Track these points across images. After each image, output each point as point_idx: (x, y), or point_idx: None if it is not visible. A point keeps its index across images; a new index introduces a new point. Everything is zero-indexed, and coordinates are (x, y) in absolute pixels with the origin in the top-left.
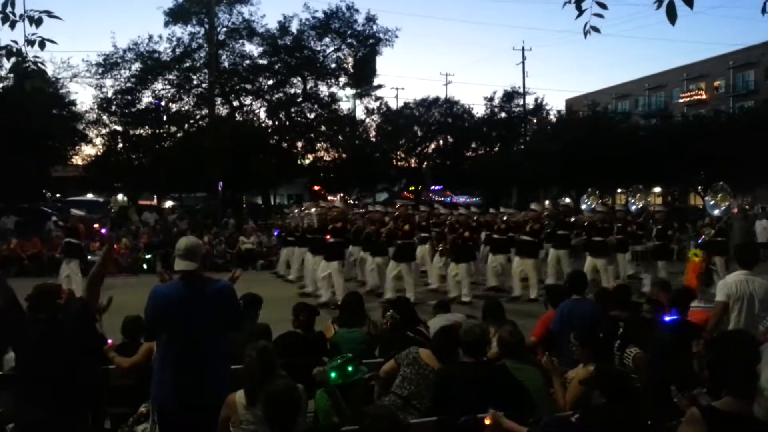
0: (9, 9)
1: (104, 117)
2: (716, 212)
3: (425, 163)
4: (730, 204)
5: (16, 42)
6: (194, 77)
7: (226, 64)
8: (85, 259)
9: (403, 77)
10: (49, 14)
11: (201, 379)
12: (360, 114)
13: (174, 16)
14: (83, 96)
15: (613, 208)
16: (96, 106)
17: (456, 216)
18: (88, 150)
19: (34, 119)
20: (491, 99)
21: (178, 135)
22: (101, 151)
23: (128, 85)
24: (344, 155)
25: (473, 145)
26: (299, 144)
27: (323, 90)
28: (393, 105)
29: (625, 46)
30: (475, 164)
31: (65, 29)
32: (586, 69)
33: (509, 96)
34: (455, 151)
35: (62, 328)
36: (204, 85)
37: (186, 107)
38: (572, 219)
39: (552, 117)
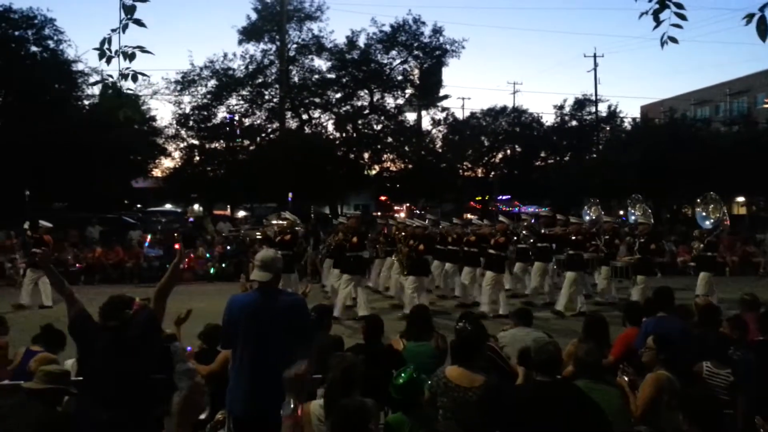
0: (106, 46)
1: (182, 132)
2: (706, 224)
3: (492, 173)
4: (720, 216)
5: (111, 76)
6: (266, 92)
7: (296, 79)
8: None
9: (470, 87)
10: (142, 50)
11: (273, 389)
12: (426, 125)
13: (247, 34)
14: (163, 112)
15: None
16: (174, 122)
17: (412, 228)
18: (167, 163)
19: (118, 134)
20: (561, 107)
21: (251, 148)
22: (179, 163)
23: (204, 101)
24: (410, 166)
25: (542, 155)
26: (366, 155)
27: (390, 102)
28: (459, 115)
29: (704, 49)
30: (545, 174)
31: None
32: (662, 74)
33: (580, 104)
34: (523, 161)
35: (129, 337)
36: (275, 100)
37: (258, 121)
38: (546, 231)
39: (626, 125)
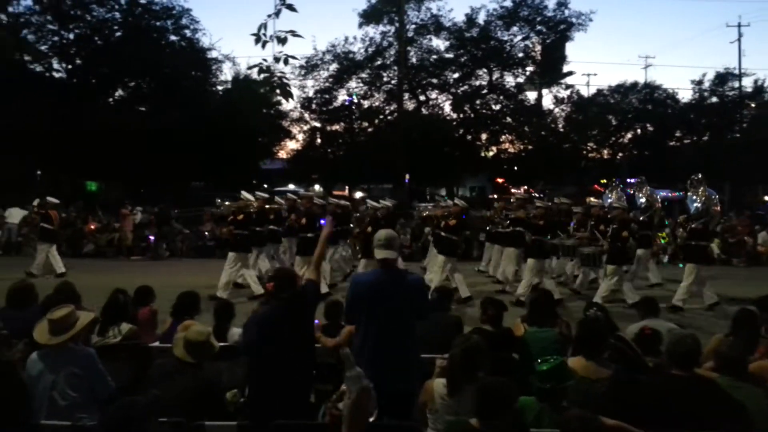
0: (263, 32)
1: (305, 115)
2: (694, 207)
3: (620, 155)
4: (708, 200)
5: (266, 60)
6: (384, 74)
7: (414, 60)
8: (58, 242)
9: (596, 62)
10: (294, 33)
11: (394, 365)
12: (548, 103)
13: (367, 17)
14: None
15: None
16: (299, 105)
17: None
18: (291, 145)
19: (248, 119)
20: (700, 82)
21: (369, 129)
22: (302, 145)
23: (326, 84)
24: (530, 147)
25: (677, 134)
26: (483, 136)
27: (509, 80)
28: (584, 92)
29: None
30: (680, 155)
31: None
32: None
33: (722, 78)
34: (655, 141)
35: (300, 308)
36: (393, 82)
37: (376, 103)
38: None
39: None
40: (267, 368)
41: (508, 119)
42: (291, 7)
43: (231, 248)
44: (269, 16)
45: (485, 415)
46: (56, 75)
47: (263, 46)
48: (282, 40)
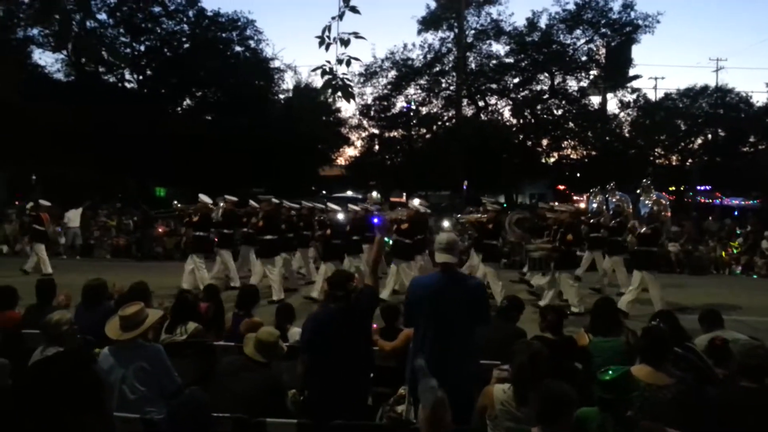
0: (326, 34)
1: (364, 122)
2: (644, 211)
3: (689, 161)
4: (658, 205)
5: (329, 62)
6: (443, 81)
7: (473, 65)
8: (48, 243)
9: (664, 65)
10: (357, 35)
11: (451, 368)
12: (613, 108)
13: (426, 23)
14: (347, 103)
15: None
16: (357, 112)
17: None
18: (349, 152)
19: (308, 126)
20: None
21: (427, 136)
22: (360, 152)
23: (385, 91)
24: (593, 153)
25: (751, 139)
26: (544, 142)
27: (572, 85)
28: (651, 96)
29: None
30: (754, 161)
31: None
32: None
33: None
34: (728, 147)
35: (354, 309)
36: (452, 88)
37: (434, 109)
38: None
39: None
40: (323, 367)
41: (571, 124)
42: (355, 9)
43: (191, 249)
44: (333, 18)
45: (547, 420)
46: (128, 85)
47: (327, 48)
48: (345, 42)
